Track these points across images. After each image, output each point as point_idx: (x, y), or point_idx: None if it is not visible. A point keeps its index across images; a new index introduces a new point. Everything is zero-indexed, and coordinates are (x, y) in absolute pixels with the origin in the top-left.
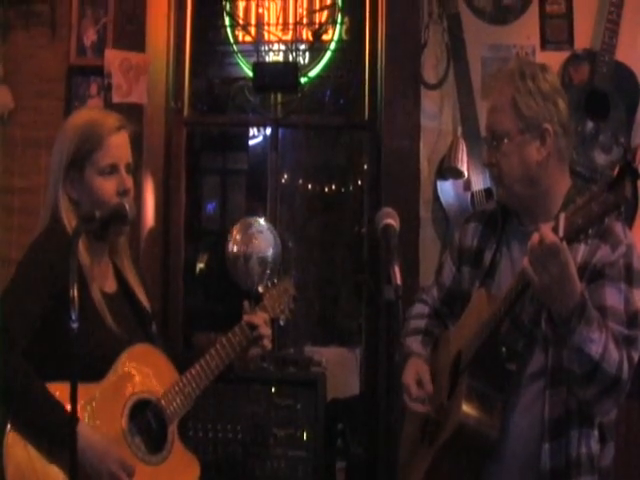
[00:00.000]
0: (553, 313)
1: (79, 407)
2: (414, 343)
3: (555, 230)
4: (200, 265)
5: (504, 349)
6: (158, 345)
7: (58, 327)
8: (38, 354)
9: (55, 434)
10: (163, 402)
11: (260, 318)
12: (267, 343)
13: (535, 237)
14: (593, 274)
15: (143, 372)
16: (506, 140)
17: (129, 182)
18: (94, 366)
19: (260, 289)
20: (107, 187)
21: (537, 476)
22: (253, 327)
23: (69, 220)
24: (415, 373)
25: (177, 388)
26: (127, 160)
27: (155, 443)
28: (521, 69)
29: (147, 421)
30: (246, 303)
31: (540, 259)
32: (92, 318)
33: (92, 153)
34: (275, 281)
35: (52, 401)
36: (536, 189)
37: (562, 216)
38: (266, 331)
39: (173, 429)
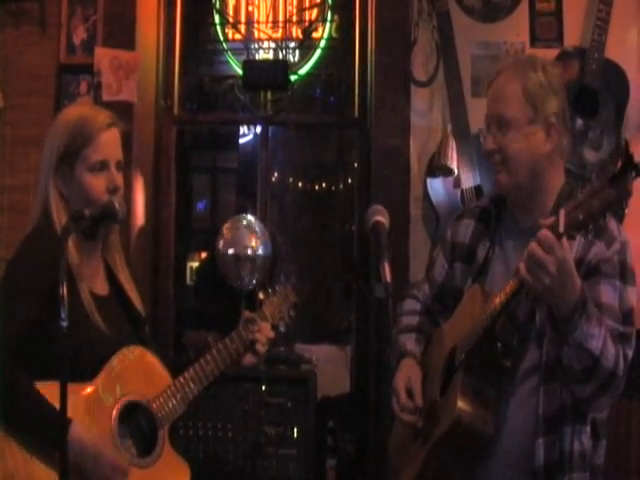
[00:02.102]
0: (555, 311)
1: (69, 407)
2: (408, 341)
3: (556, 226)
4: (190, 264)
5: (500, 345)
6: (151, 348)
7: (47, 326)
8: (27, 354)
9: (47, 436)
10: (154, 405)
11: (262, 338)
12: (262, 349)
13: (533, 244)
14: (588, 270)
15: (134, 374)
16: (514, 128)
17: (119, 180)
18: (84, 367)
19: (260, 295)
20: (97, 184)
21: (531, 472)
22: (253, 322)
23: (59, 216)
24: (407, 379)
25: (169, 392)
26: (118, 157)
27: (145, 446)
28: (532, 60)
29: (137, 424)
30: (246, 312)
31: (541, 263)
32: (80, 318)
33: (82, 149)
34: (276, 287)
35: (43, 403)
36: (536, 182)
37: (562, 211)
38: (263, 338)
39: (164, 433)
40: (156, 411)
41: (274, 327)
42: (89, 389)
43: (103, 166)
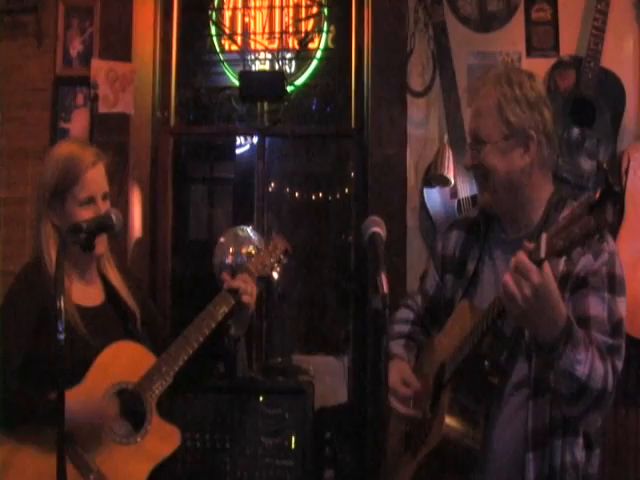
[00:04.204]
0: (539, 340)
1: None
2: (396, 346)
3: (536, 251)
4: (187, 274)
5: (487, 363)
6: (141, 340)
7: (38, 344)
8: (26, 379)
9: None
10: (140, 385)
11: (239, 280)
12: (247, 299)
13: (512, 261)
14: (576, 283)
15: (121, 367)
16: (490, 145)
17: (105, 210)
18: (71, 380)
19: (251, 250)
20: (85, 215)
21: None
22: (236, 292)
23: (47, 244)
24: (399, 374)
25: (154, 370)
26: (103, 190)
27: (138, 423)
28: (508, 75)
29: (127, 405)
30: (225, 274)
31: (513, 285)
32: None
33: (71, 187)
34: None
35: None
36: (518, 196)
37: (544, 237)
38: (247, 288)
39: (151, 407)
40: (142, 389)
41: (263, 278)
42: (79, 388)
43: (90, 200)
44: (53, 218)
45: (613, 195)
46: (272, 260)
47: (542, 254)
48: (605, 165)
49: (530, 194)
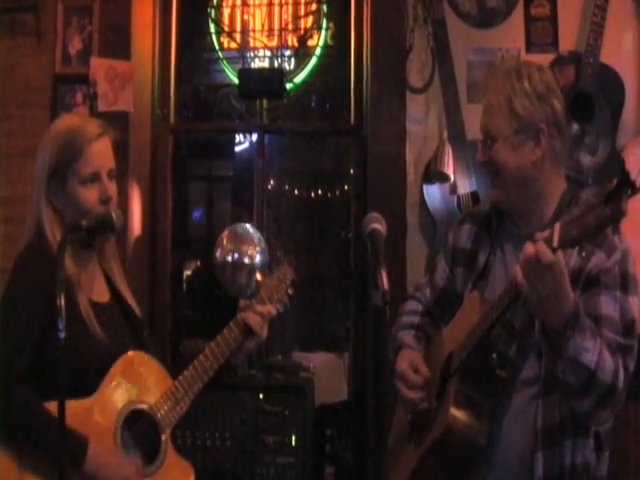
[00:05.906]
0: (547, 325)
1: (73, 423)
2: (406, 337)
3: (549, 239)
4: (187, 272)
5: (495, 355)
6: (151, 351)
7: (47, 340)
8: (33, 372)
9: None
10: (156, 410)
11: (255, 317)
12: (258, 329)
13: (529, 249)
14: (588, 281)
15: (136, 381)
16: (500, 140)
17: (111, 189)
18: (83, 378)
19: (258, 277)
20: (89, 196)
21: None
22: (250, 308)
23: (52, 231)
24: (409, 361)
25: (170, 394)
26: (109, 167)
27: (150, 453)
28: (518, 69)
29: (141, 432)
30: (242, 300)
31: (536, 274)
32: (78, 329)
33: (73, 162)
34: (274, 268)
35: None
36: (530, 191)
37: (557, 226)
38: (263, 332)
39: (166, 437)
40: (159, 416)
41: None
42: (92, 402)
43: (95, 178)
44: (54, 201)
45: (630, 185)
46: (282, 291)
47: (555, 243)
48: (622, 154)
49: (542, 188)
